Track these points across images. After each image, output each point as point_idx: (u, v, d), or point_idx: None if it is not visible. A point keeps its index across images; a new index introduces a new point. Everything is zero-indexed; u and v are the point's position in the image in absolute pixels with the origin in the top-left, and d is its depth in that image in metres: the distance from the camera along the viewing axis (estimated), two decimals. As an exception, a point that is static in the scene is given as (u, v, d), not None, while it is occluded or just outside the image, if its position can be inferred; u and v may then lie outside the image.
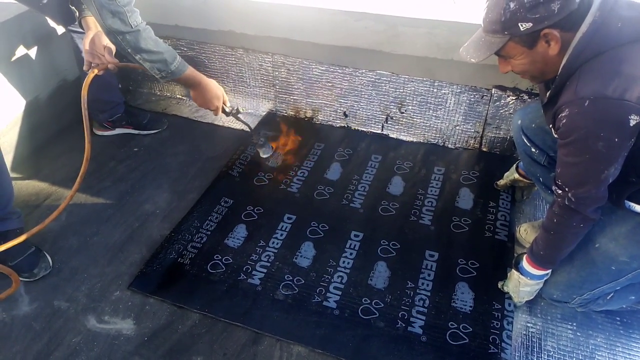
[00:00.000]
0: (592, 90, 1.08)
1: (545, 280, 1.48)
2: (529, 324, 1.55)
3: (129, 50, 1.47)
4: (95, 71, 1.69)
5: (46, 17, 2.18)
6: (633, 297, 1.46)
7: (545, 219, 1.34)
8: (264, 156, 2.11)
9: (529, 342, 1.50)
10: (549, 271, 1.45)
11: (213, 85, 1.73)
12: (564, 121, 1.14)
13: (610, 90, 1.06)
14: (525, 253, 1.48)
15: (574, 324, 1.54)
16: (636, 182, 1.22)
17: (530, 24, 1.12)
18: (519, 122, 1.64)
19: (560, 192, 1.24)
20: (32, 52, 2.19)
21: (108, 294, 1.66)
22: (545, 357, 1.46)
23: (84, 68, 1.77)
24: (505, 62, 1.27)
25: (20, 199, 2.03)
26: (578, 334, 1.52)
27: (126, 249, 1.82)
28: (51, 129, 2.39)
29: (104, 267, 1.75)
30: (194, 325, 1.56)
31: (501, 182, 1.98)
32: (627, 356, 1.45)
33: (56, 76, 2.36)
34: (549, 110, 1.25)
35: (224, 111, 1.83)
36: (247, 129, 2.06)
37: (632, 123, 1.06)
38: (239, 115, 1.90)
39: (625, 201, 1.28)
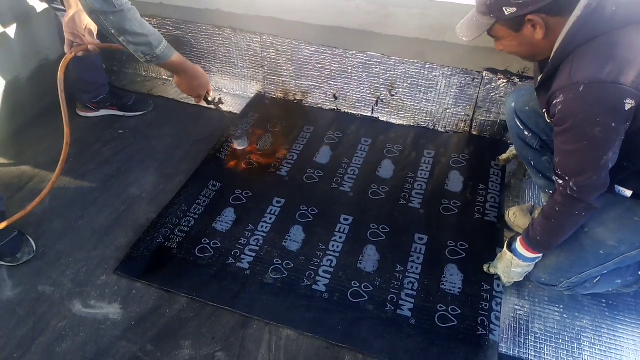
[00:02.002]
0: (587, 75, 1.07)
1: (534, 264, 1.48)
2: (517, 307, 1.56)
3: (112, 31, 1.40)
4: (73, 53, 1.63)
5: None
6: (619, 281, 1.48)
7: (547, 206, 1.32)
8: (239, 147, 2.13)
9: (516, 324, 1.51)
10: (541, 254, 1.45)
11: (199, 73, 1.67)
12: (560, 107, 1.13)
13: (605, 75, 1.05)
14: (519, 235, 1.47)
15: (561, 307, 1.55)
16: (627, 167, 1.22)
17: (514, 9, 1.13)
18: (513, 104, 1.62)
19: (561, 182, 1.23)
20: (11, 30, 2.11)
21: (94, 278, 1.64)
22: (533, 339, 1.47)
23: (65, 49, 1.70)
24: (497, 41, 1.29)
25: (2, 182, 1.98)
26: (565, 316, 1.53)
27: (112, 233, 1.79)
28: (33, 110, 2.33)
29: (89, 252, 1.72)
30: (182, 309, 1.54)
31: (503, 156, 1.98)
32: (612, 337, 1.48)
33: (37, 55, 2.28)
34: (543, 95, 1.24)
35: (205, 99, 1.79)
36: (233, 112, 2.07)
37: (628, 107, 1.05)
38: (220, 106, 1.89)
39: (616, 186, 1.28)
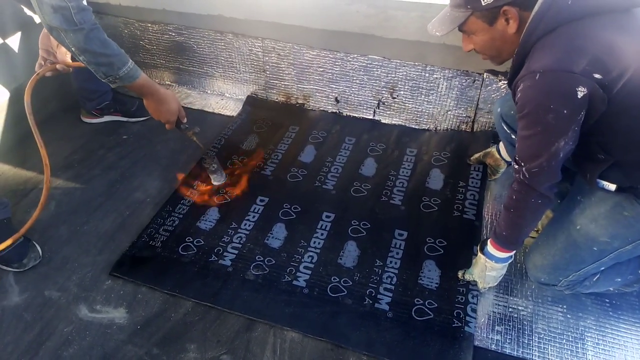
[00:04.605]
0: (542, 64, 1.11)
1: (531, 264, 1.48)
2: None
3: (73, 49, 1.37)
4: (40, 74, 1.59)
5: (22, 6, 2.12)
6: (619, 279, 1.48)
7: (506, 197, 1.35)
8: (215, 183, 2.01)
9: (520, 324, 1.51)
10: (513, 254, 1.46)
11: (168, 99, 1.64)
12: (519, 95, 1.17)
13: (559, 63, 1.09)
14: (488, 239, 1.48)
15: (564, 307, 1.56)
16: (605, 159, 1.23)
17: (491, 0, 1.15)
18: (499, 109, 1.68)
19: (517, 167, 1.26)
20: (14, 39, 2.13)
21: (99, 283, 1.65)
22: (537, 339, 1.48)
23: (35, 67, 1.66)
24: (468, 38, 1.31)
25: (8, 189, 2.01)
26: (568, 316, 1.54)
27: (117, 238, 1.81)
28: (36, 117, 2.32)
29: (95, 256, 1.74)
30: (187, 313, 1.56)
31: (475, 156, 2.03)
32: (616, 337, 1.48)
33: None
34: (511, 89, 1.28)
35: (177, 126, 1.75)
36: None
37: (580, 95, 1.08)
38: (194, 136, 1.82)
39: (599, 180, 1.29)
